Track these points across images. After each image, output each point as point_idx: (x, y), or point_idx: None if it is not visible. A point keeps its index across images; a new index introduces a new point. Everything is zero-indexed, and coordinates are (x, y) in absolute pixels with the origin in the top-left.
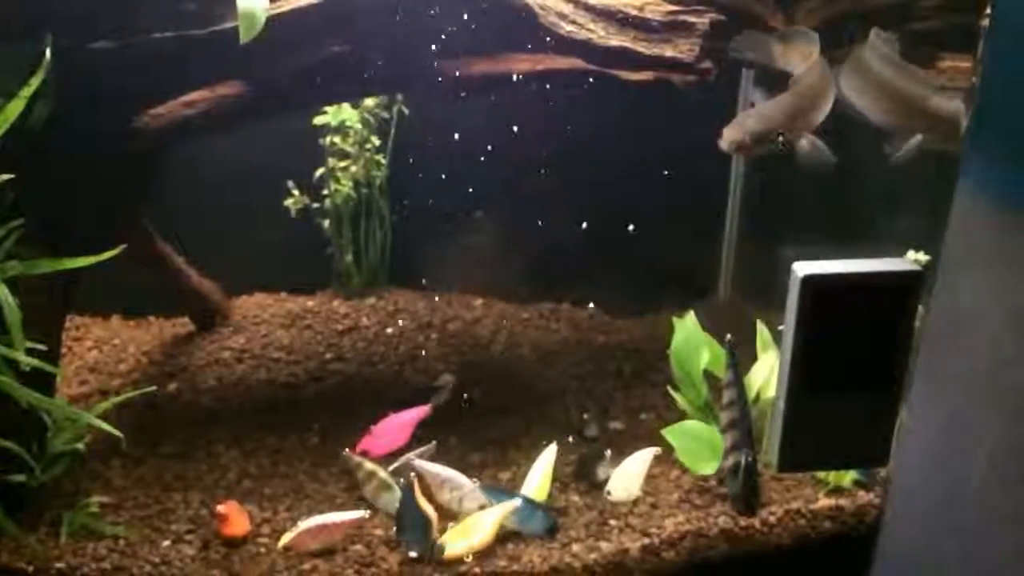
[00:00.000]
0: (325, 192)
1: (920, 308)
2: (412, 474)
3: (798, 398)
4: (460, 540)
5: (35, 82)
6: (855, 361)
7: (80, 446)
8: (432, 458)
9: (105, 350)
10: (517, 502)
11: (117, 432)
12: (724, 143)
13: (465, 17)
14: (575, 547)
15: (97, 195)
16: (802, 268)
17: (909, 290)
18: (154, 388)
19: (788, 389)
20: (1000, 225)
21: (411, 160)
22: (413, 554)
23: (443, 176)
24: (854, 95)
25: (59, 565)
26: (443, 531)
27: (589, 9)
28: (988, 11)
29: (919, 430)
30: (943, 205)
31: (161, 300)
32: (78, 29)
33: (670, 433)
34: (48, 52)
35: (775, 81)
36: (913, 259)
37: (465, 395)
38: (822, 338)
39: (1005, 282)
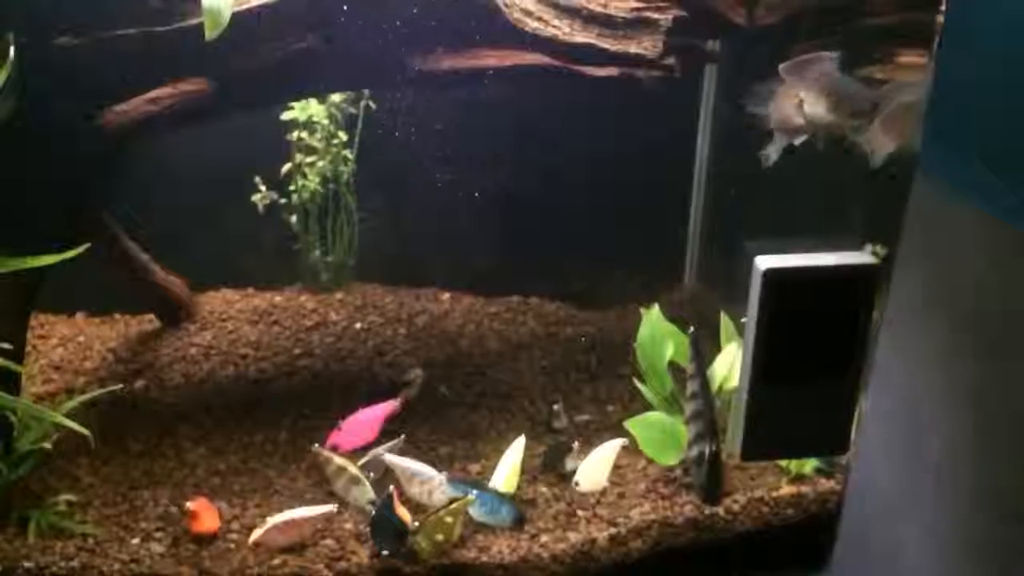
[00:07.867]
0: (292, 188)
1: (879, 299)
2: (391, 487)
3: (760, 388)
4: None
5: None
6: (816, 351)
7: (47, 445)
8: (401, 452)
9: (71, 348)
10: (471, 496)
11: (84, 430)
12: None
13: (431, 13)
14: (544, 538)
15: (59, 193)
16: (764, 262)
17: (868, 282)
18: (120, 386)
19: (750, 379)
20: (955, 219)
21: (378, 155)
22: (385, 552)
23: (410, 171)
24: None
25: (27, 564)
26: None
27: (554, 6)
28: (942, 7)
29: (878, 418)
30: (902, 199)
31: (127, 297)
32: (40, 25)
33: (633, 424)
34: (11, 49)
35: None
36: (872, 251)
37: (435, 389)
38: (784, 330)
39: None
